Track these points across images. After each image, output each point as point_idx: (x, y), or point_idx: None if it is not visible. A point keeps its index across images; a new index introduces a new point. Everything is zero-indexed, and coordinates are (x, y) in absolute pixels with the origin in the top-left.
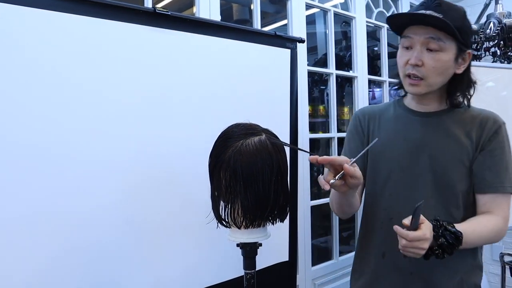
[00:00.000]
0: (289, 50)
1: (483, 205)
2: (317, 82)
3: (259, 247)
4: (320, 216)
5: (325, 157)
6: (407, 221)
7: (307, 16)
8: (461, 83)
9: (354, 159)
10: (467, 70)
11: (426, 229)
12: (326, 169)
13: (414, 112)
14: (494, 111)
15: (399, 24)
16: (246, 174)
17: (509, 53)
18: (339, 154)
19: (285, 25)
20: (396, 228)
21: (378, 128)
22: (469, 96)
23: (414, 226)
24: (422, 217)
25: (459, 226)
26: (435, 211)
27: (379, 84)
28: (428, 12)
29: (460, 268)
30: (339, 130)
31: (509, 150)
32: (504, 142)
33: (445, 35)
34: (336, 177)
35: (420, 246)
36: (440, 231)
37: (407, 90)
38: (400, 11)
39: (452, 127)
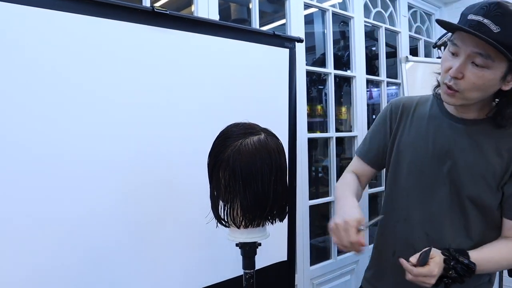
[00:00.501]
0: (287, 50)
1: (508, 230)
2: (315, 82)
3: (258, 247)
4: (319, 215)
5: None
6: (414, 259)
7: (305, 16)
8: None
9: (364, 227)
10: None
11: (434, 266)
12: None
13: (450, 116)
14: None
15: (449, 25)
16: (245, 173)
17: None
18: (337, 153)
19: (283, 24)
20: (402, 261)
21: (410, 123)
22: None
23: (422, 263)
24: (434, 251)
25: (473, 254)
26: (450, 222)
27: (377, 84)
28: (485, 21)
29: (469, 281)
30: (337, 130)
31: None
32: None
33: (495, 53)
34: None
35: (426, 281)
36: (452, 263)
37: (441, 97)
38: (398, 11)
39: (484, 140)
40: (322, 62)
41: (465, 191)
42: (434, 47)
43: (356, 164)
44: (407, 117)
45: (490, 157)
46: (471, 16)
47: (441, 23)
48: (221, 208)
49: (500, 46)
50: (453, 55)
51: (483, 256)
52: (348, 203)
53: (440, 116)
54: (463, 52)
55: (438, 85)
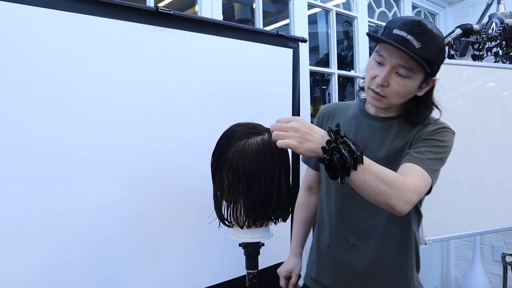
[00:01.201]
0: (291, 50)
1: (398, 171)
2: (318, 82)
3: (261, 247)
4: None
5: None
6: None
7: (309, 16)
8: (425, 105)
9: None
10: (430, 93)
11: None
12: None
13: (369, 115)
14: (495, 111)
15: (378, 39)
16: (248, 173)
17: (511, 54)
18: None
19: (287, 24)
20: None
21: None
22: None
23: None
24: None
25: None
26: (377, 210)
27: None
28: (408, 37)
29: (395, 266)
30: None
31: (444, 152)
32: (440, 141)
33: (416, 65)
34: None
35: (283, 133)
36: (338, 141)
37: (367, 99)
38: (401, 11)
39: (395, 131)
40: (325, 62)
41: None
42: None
43: (307, 173)
44: (332, 120)
45: (400, 143)
46: (396, 31)
47: (371, 36)
48: (224, 208)
49: (421, 60)
50: (378, 64)
51: (373, 162)
52: (291, 251)
53: (359, 116)
54: (389, 63)
55: (361, 89)
